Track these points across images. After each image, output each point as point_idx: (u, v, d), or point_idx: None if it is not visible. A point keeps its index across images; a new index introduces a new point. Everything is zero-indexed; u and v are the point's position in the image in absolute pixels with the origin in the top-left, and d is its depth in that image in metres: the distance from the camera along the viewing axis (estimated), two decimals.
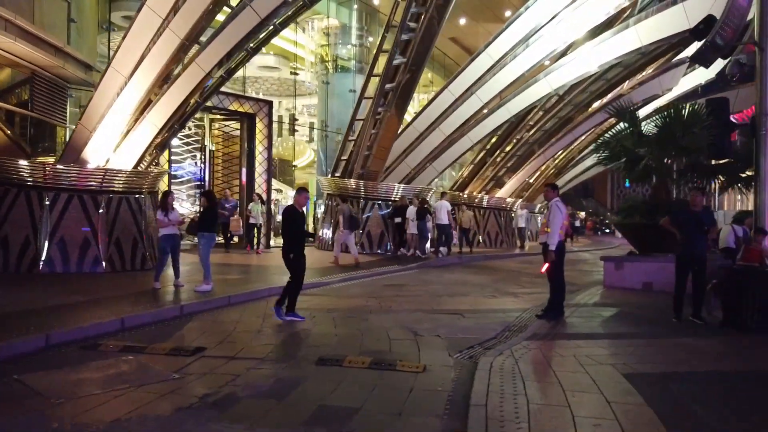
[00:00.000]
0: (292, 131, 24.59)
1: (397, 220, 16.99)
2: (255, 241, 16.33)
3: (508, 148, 23.88)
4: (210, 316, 7.98)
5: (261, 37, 12.33)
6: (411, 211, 16.47)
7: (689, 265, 8.01)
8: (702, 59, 11.31)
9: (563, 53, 18.36)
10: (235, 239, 16.54)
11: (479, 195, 24.24)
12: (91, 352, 5.91)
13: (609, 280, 11.36)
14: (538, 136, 23.05)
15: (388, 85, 15.36)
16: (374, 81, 16.25)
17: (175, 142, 16.53)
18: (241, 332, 7.10)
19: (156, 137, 11.95)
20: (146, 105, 11.75)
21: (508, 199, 25.88)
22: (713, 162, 11.80)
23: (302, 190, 8.14)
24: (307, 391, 4.82)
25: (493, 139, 24.35)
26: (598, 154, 12.88)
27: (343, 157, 18.07)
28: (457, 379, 5.22)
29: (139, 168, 12.03)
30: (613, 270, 11.34)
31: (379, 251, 17.49)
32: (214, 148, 17.97)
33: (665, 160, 11.88)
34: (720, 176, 11.90)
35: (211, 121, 17.46)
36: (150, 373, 5.20)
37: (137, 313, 7.39)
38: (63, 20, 14.08)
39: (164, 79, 11.73)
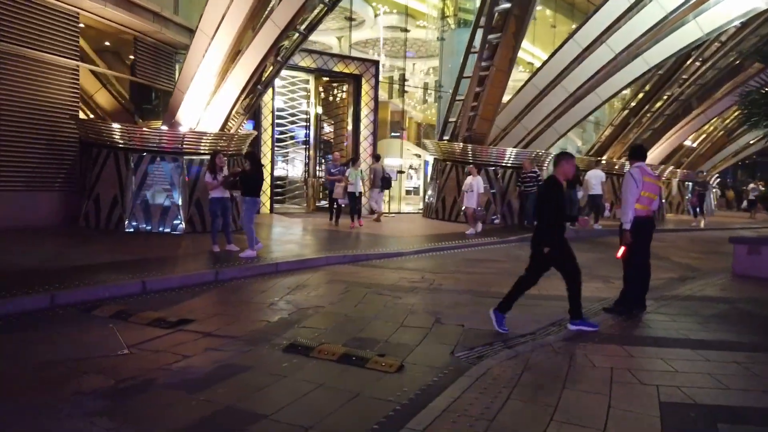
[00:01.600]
0: (401, 93, 23.60)
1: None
2: (354, 212, 13.95)
3: (656, 106, 20.72)
4: (241, 284, 7.63)
5: None
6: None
7: None
8: None
9: None
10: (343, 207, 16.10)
11: (619, 161, 21.45)
12: (84, 315, 5.81)
13: (740, 268, 9.07)
14: (693, 92, 19.60)
15: (491, 36, 13.75)
16: (480, 33, 14.68)
17: (279, 104, 16.62)
18: (251, 304, 6.65)
19: (239, 98, 11.88)
20: (229, 65, 11.70)
21: (660, 167, 22.64)
22: None
23: (567, 156, 5.95)
24: (233, 384, 4.14)
25: (639, 95, 21.33)
26: (746, 115, 10.18)
27: (450, 119, 16.82)
28: (428, 387, 4.19)
29: (225, 130, 12.11)
30: (746, 255, 9.00)
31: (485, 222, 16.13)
32: (320, 111, 17.79)
33: None
34: None
35: (317, 83, 17.22)
36: (103, 346, 4.89)
37: (162, 276, 7.26)
38: None
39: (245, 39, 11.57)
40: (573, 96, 16.53)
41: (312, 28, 11.92)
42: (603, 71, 16.22)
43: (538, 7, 25.95)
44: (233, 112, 12.11)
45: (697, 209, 20.76)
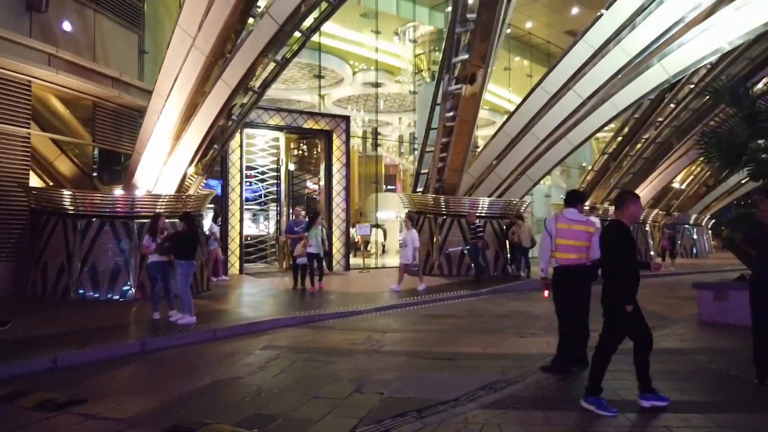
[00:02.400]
0: (375, 146, 23.63)
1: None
2: (314, 275, 12.37)
3: (635, 149, 20.58)
4: (168, 355, 7.17)
5: (292, 45, 11.64)
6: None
7: (764, 300, 5.54)
8: None
9: (681, 32, 15.08)
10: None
11: (602, 206, 21.15)
12: None
13: (706, 315, 8.56)
14: (669, 134, 19.47)
15: (452, 87, 13.72)
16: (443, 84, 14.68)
17: (249, 162, 16.52)
18: (164, 378, 6.18)
19: (194, 159, 11.73)
20: (184, 126, 11.61)
21: (656, 211, 22.27)
22: None
23: (634, 197, 5.07)
24: None
25: (618, 139, 21.25)
26: (701, 149, 9.92)
27: (422, 171, 16.65)
28: None
29: (183, 191, 11.90)
30: (712, 301, 8.51)
31: (458, 274, 15.63)
32: (292, 168, 17.69)
33: None
34: None
35: (288, 140, 17.18)
36: None
37: (78, 350, 6.82)
38: (133, 53, 14.69)
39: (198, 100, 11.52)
40: (544, 143, 16.42)
41: (266, 85, 11.88)
42: (572, 117, 16.16)
43: (516, 57, 26.38)
44: (190, 172, 11.94)
45: (667, 252, 20.22)
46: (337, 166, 16.92)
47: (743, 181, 28.29)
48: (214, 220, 14.92)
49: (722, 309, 8.34)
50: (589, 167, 22.91)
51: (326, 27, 21.78)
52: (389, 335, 8.28)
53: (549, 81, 15.94)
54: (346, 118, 17.46)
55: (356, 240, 22.16)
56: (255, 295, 12.10)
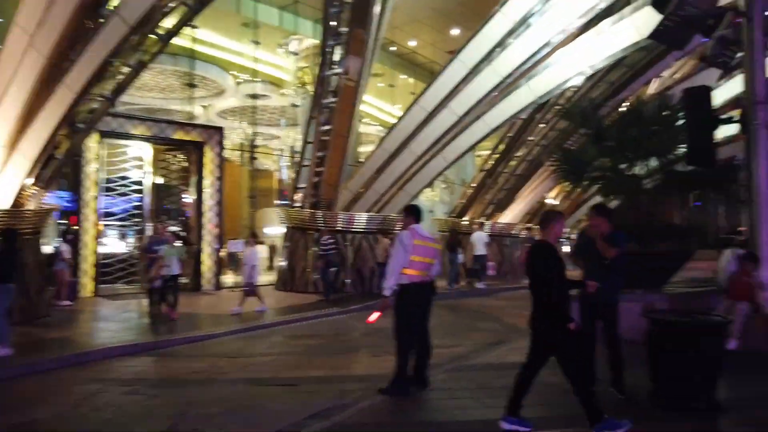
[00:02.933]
0: (251, 160, 23.02)
1: None
2: (169, 299, 10.97)
3: (509, 166, 21.40)
4: None
5: (149, 48, 10.83)
6: None
7: (593, 314, 5.68)
8: (668, 37, 8.80)
9: (548, 55, 15.89)
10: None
11: (479, 221, 21.75)
12: None
13: None
14: (539, 152, 20.44)
15: (327, 101, 13.47)
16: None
17: (108, 174, 15.27)
18: None
19: (32, 171, 10.54)
20: (20, 135, 10.39)
21: (522, 225, 23.15)
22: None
23: (559, 216, 5.02)
24: None
25: (494, 157, 22.02)
26: (555, 167, 10.35)
27: (300, 185, 16.21)
28: None
29: (20, 205, 10.62)
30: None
31: (335, 291, 15.28)
32: (159, 181, 16.58)
33: (631, 170, 9.28)
34: (704, 187, 9.09)
35: (155, 151, 16.08)
36: None
37: None
38: None
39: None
40: (421, 159, 16.59)
41: (119, 92, 10.95)
42: (448, 134, 16.47)
43: (401, 75, 26.76)
44: (28, 185, 10.70)
45: None
46: (209, 179, 16.05)
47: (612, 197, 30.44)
48: (63, 237, 13.53)
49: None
50: (469, 183, 23.56)
51: (206, 35, 21.00)
52: (238, 361, 7.72)
53: (426, 98, 16.14)
54: (220, 130, 16.65)
55: (230, 256, 21.21)
56: (100, 321, 10.97)
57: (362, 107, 25.82)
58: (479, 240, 17.78)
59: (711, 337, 5.03)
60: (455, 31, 21.76)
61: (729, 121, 8.84)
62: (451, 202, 28.26)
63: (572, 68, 15.72)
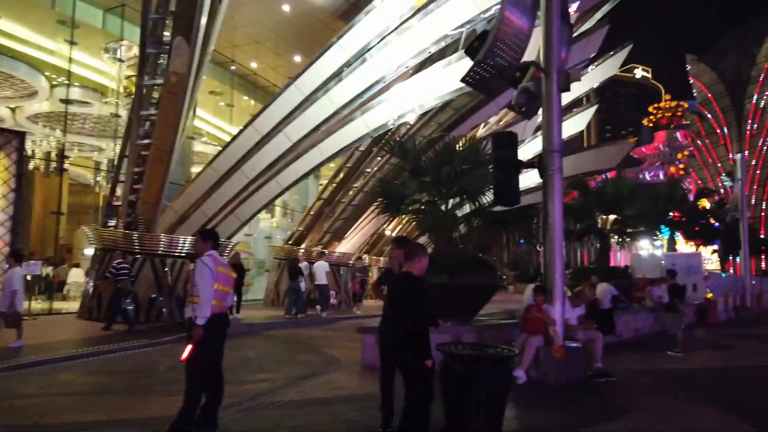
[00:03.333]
0: (61, 172, 20.84)
1: None
2: None
3: (348, 196, 21.60)
4: None
5: None
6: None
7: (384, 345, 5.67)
8: (479, 84, 9.40)
9: (383, 90, 16.39)
10: None
11: (316, 249, 21.60)
12: None
13: (369, 358, 8.76)
14: (375, 184, 20.91)
15: (145, 113, 12.47)
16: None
17: None
18: None
19: None
20: None
21: (356, 255, 23.37)
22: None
23: (424, 250, 5.14)
24: None
25: (332, 186, 22.10)
26: (379, 204, 10.52)
27: (116, 203, 14.77)
28: None
29: None
30: (374, 344, 8.72)
31: (147, 320, 13.98)
32: None
33: (446, 206, 9.71)
34: (507, 226, 9.83)
35: None
36: None
37: None
38: None
39: None
40: (254, 183, 16.05)
41: None
42: (282, 159, 16.16)
43: (244, 96, 26.01)
44: None
45: (357, 296, 20.68)
46: (3, 190, 13.98)
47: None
48: None
49: None
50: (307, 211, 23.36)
51: (13, 28, 18.61)
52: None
53: (261, 121, 15.74)
54: (20, 135, 14.67)
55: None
56: None
57: (200, 125, 24.68)
58: (321, 269, 17.78)
59: (492, 369, 5.16)
60: (297, 58, 21.71)
61: (530, 165, 9.63)
62: (291, 229, 27.88)
63: (405, 105, 16.37)
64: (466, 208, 10.16)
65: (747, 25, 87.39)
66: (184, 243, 14.84)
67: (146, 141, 13.02)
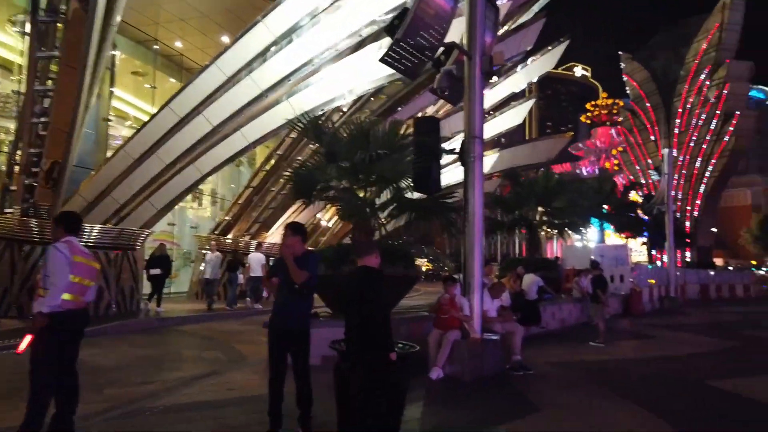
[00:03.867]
0: None
1: (154, 271, 15.13)
2: None
3: (278, 185, 20.78)
4: None
5: None
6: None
7: (280, 343, 5.09)
8: (400, 65, 8.88)
9: (312, 73, 15.67)
10: None
11: (244, 239, 20.72)
12: None
13: None
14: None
15: (41, 87, 11.32)
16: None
17: None
18: None
19: None
20: None
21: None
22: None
23: (375, 246, 5.00)
24: None
25: (261, 174, 21.24)
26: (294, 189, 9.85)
27: (12, 186, 13.46)
28: None
29: None
30: None
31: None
32: None
33: (365, 192, 9.18)
34: (428, 214, 9.38)
35: None
36: None
37: None
38: None
39: None
40: (171, 168, 15.04)
41: None
42: (202, 144, 15.21)
43: (169, 78, 24.60)
44: None
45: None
46: None
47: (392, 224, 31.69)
48: None
49: None
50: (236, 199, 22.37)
51: None
52: None
53: (179, 102, 14.70)
54: None
55: None
56: None
57: (122, 107, 23.16)
58: (257, 261, 17.19)
59: (387, 367, 4.64)
60: (225, 38, 20.59)
61: (451, 152, 9.23)
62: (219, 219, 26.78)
63: (335, 89, 15.73)
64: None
65: (677, 24, 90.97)
66: (91, 232, 13.75)
67: (44, 119, 11.85)
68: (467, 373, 7.76)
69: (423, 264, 50.06)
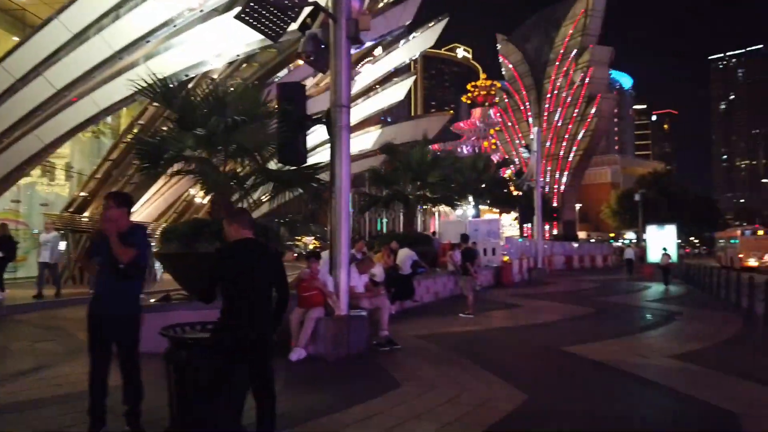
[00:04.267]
0: None
1: None
2: None
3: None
4: None
5: None
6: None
7: (102, 331, 4.45)
8: (260, 24, 8.21)
9: (173, 35, 14.39)
10: None
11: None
12: None
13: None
14: None
15: None
16: None
17: None
18: None
19: None
20: None
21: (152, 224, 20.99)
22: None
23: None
24: None
25: (121, 146, 19.44)
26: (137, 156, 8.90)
27: None
28: None
29: None
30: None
31: None
32: None
33: (226, 164, 8.48)
34: (293, 186, 8.86)
35: None
36: None
37: None
38: None
39: None
40: (5, 136, 13.22)
41: None
42: (45, 109, 13.50)
43: (12, 36, 21.66)
44: None
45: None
46: None
47: (264, 198, 30.60)
48: None
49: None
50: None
51: None
52: None
53: (14, 61, 12.93)
54: None
55: None
56: None
57: None
58: None
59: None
60: None
61: (318, 121, 8.76)
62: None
63: (200, 53, 14.61)
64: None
65: (549, 7, 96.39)
66: None
67: None
68: (331, 353, 7.46)
69: (311, 242, 49.29)
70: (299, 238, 34.01)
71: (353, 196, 10.31)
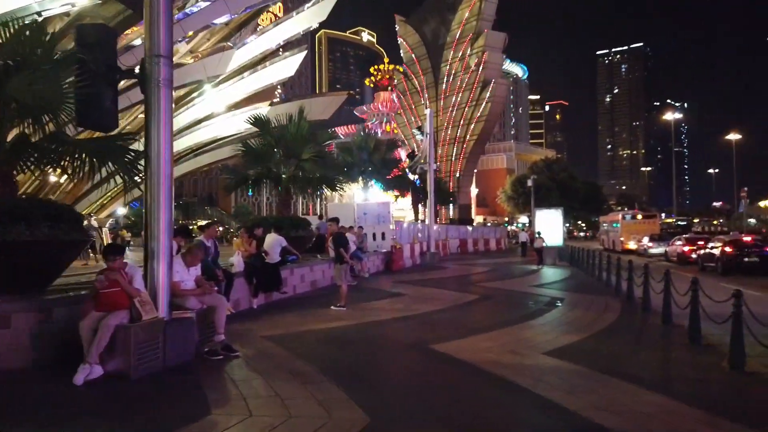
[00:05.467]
0: None
1: None
2: None
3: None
4: None
5: None
6: None
7: None
8: None
9: None
10: None
11: None
12: None
13: None
14: None
15: None
16: None
17: None
18: None
19: None
20: None
21: None
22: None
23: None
24: None
25: None
26: None
27: None
28: None
29: None
30: None
31: None
32: None
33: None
34: (101, 158, 6.99)
35: None
36: None
37: None
38: None
39: None
40: None
41: None
42: None
43: None
44: None
45: None
46: None
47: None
48: None
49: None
50: None
51: None
52: None
53: None
54: None
55: None
56: None
57: None
58: None
59: None
60: None
61: (129, 74, 6.96)
62: None
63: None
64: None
65: None
66: None
67: None
68: (137, 368, 5.80)
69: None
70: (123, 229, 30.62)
71: (218, 171, 8.68)
